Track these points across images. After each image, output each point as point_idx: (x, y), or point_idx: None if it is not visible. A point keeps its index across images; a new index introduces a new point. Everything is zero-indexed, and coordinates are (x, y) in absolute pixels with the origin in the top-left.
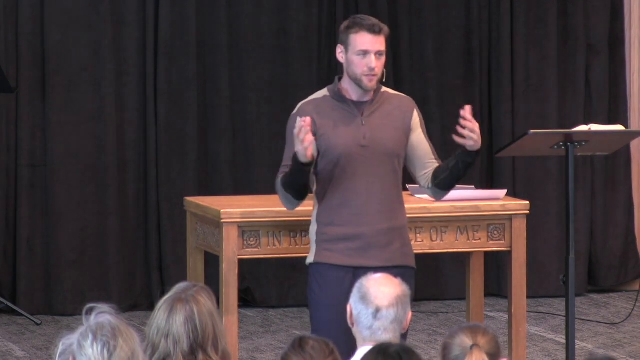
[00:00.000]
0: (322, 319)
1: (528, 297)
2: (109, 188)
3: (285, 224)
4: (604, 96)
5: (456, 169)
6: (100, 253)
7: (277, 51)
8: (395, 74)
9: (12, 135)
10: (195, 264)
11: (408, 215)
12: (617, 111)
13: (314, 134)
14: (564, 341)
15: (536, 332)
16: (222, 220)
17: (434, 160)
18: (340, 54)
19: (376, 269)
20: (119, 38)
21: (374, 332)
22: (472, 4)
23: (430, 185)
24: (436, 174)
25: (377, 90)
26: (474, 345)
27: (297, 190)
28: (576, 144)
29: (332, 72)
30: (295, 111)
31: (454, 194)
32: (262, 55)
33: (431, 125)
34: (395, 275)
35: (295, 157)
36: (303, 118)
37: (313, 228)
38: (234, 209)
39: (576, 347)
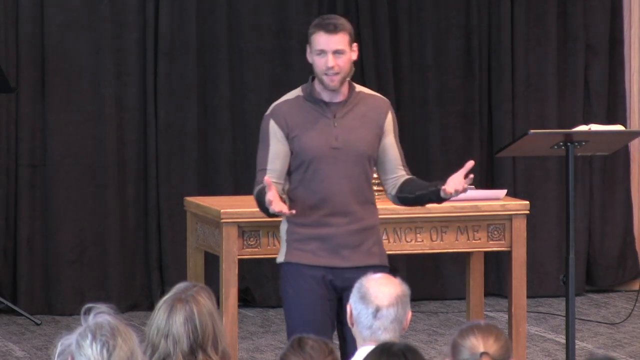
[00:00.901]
0: (296, 318)
1: (528, 297)
2: (109, 188)
3: None
4: (603, 96)
5: (420, 199)
6: (100, 253)
7: (277, 51)
8: (395, 74)
9: (12, 135)
10: (195, 264)
11: (408, 215)
12: (615, 111)
13: (287, 137)
14: (564, 341)
15: (536, 332)
16: (222, 220)
17: (402, 168)
18: (308, 54)
19: (348, 269)
20: (119, 38)
21: (374, 331)
22: (472, 4)
23: (394, 193)
24: (403, 187)
25: (351, 90)
26: (484, 354)
27: (270, 216)
28: (576, 144)
29: None
30: (268, 112)
31: None
32: (262, 55)
33: (431, 125)
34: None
35: (265, 204)
36: (265, 177)
37: (284, 227)
38: (234, 209)
39: (576, 347)
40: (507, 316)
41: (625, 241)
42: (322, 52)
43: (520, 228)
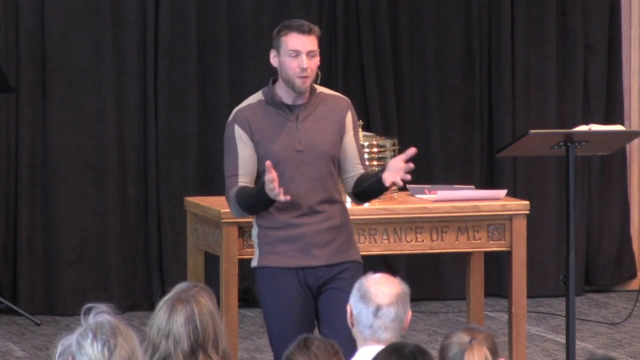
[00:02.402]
0: (274, 321)
1: (528, 297)
2: (109, 188)
3: None
4: (602, 96)
5: (369, 190)
6: (100, 253)
7: None
8: (395, 74)
9: (12, 135)
10: (195, 264)
11: (408, 215)
12: (614, 111)
13: (252, 140)
14: (564, 341)
15: (536, 332)
16: (222, 220)
17: (360, 166)
18: (273, 58)
19: (320, 268)
20: (119, 38)
21: (374, 330)
22: (472, 4)
23: (350, 191)
24: (356, 183)
25: (312, 92)
26: (473, 339)
27: (257, 211)
28: (576, 144)
29: (331, 72)
30: (230, 118)
31: (454, 194)
32: (262, 55)
33: (431, 125)
34: (342, 271)
35: (265, 194)
36: (267, 161)
37: (255, 231)
38: None
39: (576, 347)
40: (507, 316)
41: (622, 241)
42: (297, 53)
43: (520, 228)
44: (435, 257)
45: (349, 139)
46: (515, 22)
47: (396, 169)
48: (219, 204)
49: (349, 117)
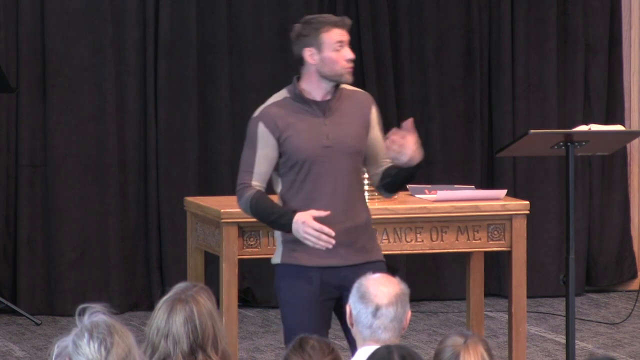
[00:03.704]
0: (293, 319)
1: (528, 297)
2: (109, 188)
3: None
4: (602, 96)
5: (398, 176)
6: (100, 253)
7: (277, 51)
8: (395, 73)
9: (12, 135)
10: (195, 264)
11: (408, 215)
12: (615, 111)
13: (277, 140)
14: (564, 341)
15: (536, 332)
16: (222, 220)
17: (388, 160)
18: (311, 56)
19: (344, 268)
20: (119, 38)
21: (374, 331)
22: (472, 4)
23: (378, 185)
24: (383, 175)
25: (336, 88)
26: (468, 340)
27: (269, 225)
28: (576, 144)
29: None
30: (256, 114)
31: (454, 194)
32: (262, 55)
33: (431, 125)
34: (367, 271)
35: (289, 220)
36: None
37: None
38: (234, 209)
39: (576, 347)
40: (507, 316)
41: (623, 240)
42: (341, 44)
43: (520, 228)
44: (435, 257)
45: (376, 133)
46: (516, 22)
47: (404, 145)
48: (219, 204)
49: (374, 112)
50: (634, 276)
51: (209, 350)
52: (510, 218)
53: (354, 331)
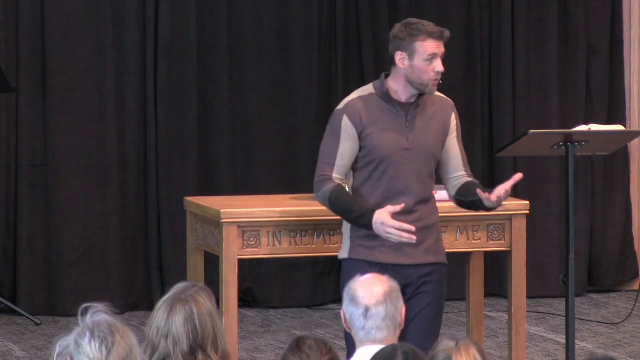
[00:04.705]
0: None
1: (528, 297)
2: (110, 188)
3: (285, 224)
4: (603, 96)
5: (471, 205)
6: (100, 253)
7: (277, 51)
8: None
9: (12, 135)
10: (195, 264)
11: None
12: (616, 111)
13: (359, 134)
14: (564, 341)
15: (536, 332)
16: (222, 220)
17: (463, 169)
18: (401, 60)
19: (409, 267)
20: (119, 38)
21: (367, 332)
22: (472, 4)
23: (453, 194)
24: (460, 190)
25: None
26: (459, 342)
27: (349, 222)
28: (576, 144)
29: (332, 72)
30: (341, 107)
31: None
32: (262, 55)
33: None
34: (429, 273)
35: (369, 221)
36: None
37: (347, 224)
38: (234, 209)
39: (576, 347)
40: (507, 316)
41: (624, 240)
42: (434, 56)
43: (520, 228)
44: None
45: (453, 140)
46: (516, 22)
47: (500, 195)
48: (219, 204)
49: (454, 119)
50: (636, 276)
51: (209, 350)
52: (510, 218)
53: (352, 334)
